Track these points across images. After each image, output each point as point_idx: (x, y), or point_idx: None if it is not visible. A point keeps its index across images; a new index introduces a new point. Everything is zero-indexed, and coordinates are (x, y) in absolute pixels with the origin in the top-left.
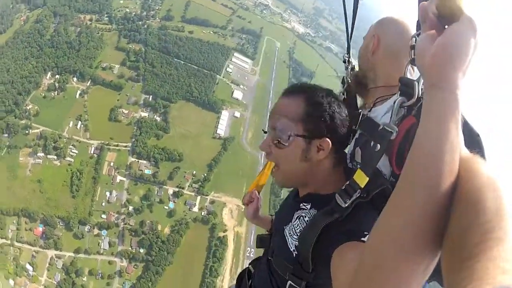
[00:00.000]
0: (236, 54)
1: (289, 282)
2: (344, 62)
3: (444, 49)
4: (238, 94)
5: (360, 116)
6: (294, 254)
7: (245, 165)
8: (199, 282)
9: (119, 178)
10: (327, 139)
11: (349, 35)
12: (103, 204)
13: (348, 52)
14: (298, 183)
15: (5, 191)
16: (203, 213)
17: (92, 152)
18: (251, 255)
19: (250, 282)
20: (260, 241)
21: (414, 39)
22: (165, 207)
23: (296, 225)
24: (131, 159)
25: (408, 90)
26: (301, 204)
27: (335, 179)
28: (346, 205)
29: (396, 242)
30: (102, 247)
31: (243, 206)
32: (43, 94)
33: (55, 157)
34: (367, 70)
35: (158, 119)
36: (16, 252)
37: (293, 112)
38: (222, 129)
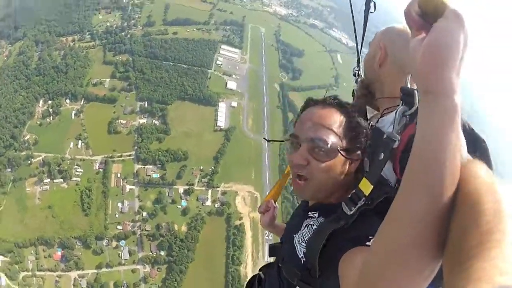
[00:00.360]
0: (223, 46)
1: None
2: (354, 75)
3: (431, 50)
4: (232, 85)
5: (370, 127)
6: (303, 261)
7: (250, 152)
8: (223, 273)
9: (128, 187)
10: (360, 153)
11: (360, 48)
12: (117, 215)
13: (358, 65)
14: (326, 195)
15: (18, 225)
16: (216, 205)
17: (97, 167)
18: (270, 238)
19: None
20: (272, 250)
21: None
22: (178, 206)
23: (304, 233)
24: (137, 166)
25: (409, 99)
26: (310, 213)
27: (348, 188)
28: (351, 212)
29: (398, 247)
30: (123, 258)
31: (259, 214)
32: (38, 122)
33: (62, 180)
34: (374, 81)
35: (157, 122)
36: (39, 282)
37: (338, 125)
38: (222, 121)
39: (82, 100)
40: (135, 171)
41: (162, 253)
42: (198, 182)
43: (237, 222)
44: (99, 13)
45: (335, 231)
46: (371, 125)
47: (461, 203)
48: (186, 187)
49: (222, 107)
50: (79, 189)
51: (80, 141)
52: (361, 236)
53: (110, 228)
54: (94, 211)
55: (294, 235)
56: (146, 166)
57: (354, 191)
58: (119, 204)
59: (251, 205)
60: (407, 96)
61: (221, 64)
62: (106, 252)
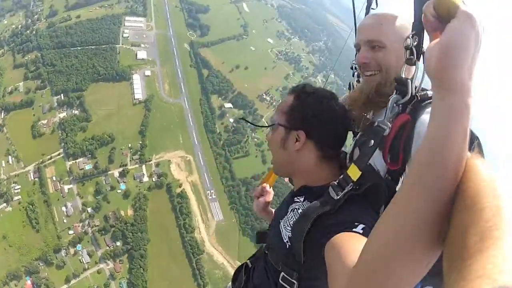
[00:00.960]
0: (127, 18)
1: (282, 273)
2: (352, 68)
3: (444, 49)
4: (142, 54)
5: (363, 119)
6: (288, 245)
7: (173, 116)
8: (180, 243)
9: (66, 187)
10: (303, 131)
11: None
12: (65, 220)
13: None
14: (285, 171)
15: None
16: (154, 179)
17: (32, 178)
18: (214, 196)
19: (246, 276)
20: (260, 237)
21: (408, 40)
22: (118, 191)
23: (290, 217)
24: (69, 163)
25: (402, 88)
26: (295, 198)
27: (327, 175)
28: (338, 197)
29: (400, 236)
30: (85, 262)
31: (254, 198)
32: None
33: (5, 204)
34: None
35: (77, 112)
36: None
37: (283, 106)
38: (139, 93)
39: (2, 113)
40: (68, 169)
41: (118, 243)
42: (130, 161)
43: (178, 190)
44: (4, 19)
45: (321, 215)
46: (366, 118)
47: (461, 199)
48: (120, 169)
49: (136, 79)
50: (23, 207)
51: (10, 157)
52: (347, 222)
53: (63, 236)
54: (43, 224)
55: (280, 221)
56: (77, 160)
57: (342, 176)
58: (63, 208)
59: (187, 169)
60: (400, 85)
61: (128, 36)
62: (68, 262)
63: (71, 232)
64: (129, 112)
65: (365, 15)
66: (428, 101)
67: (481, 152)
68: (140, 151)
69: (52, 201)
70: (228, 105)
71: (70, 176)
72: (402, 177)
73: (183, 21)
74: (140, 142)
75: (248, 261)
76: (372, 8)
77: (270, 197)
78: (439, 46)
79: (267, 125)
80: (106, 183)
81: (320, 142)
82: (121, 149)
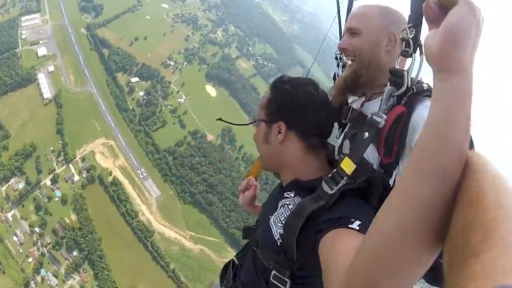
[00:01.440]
0: (22, 18)
1: (273, 271)
2: (336, 59)
3: (445, 33)
4: (42, 51)
5: (350, 110)
6: (279, 243)
7: (85, 105)
8: (130, 231)
9: (9, 215)
10: (282, 122)
11: (342, 35)
12: (20, 250)
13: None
14: (273, 166)
15: None
16: (84, 175)
17: None
18: (145, 174)
19: (233, 273)
20: (247, 233)
21: (405, 31)
22: (55, 199)
23: (280, 213)
24: (3, 188)
25: (397, 80)
26: (285, 193)
27: (315, 167)
28: (333, 192)
29: (402, 227)
30: (54, 285)
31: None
32: None
33: None
34: (374, 69)
35: None
36: None
37: (262, 101)
38: (47, 92)
39: None
40: (4, 195)
41: (75, 253)
42: (57, 164)
43: (110, 179)
44: None
45: (314, 211)
46: (352, 109)
47: (463, 196)
48: (50, 176)
49: (41, 78)
50: None
51: None
52: (343, 217)
53: (25, 267)
54: (4, 263)
55: (270, 217)
56: (9, 183)
57: (335, 170)
58: (15, 238)
59: (112, 155)
60: (395, 77)
61: (26, 37)
62: None
63: (30, 260)
64: (42, 114)
65: (348, 7)
66: (424, 93)
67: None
68: (63, 151)
69: (1, 234)
70: (134, 79)
71: (8, 202)
72: (396, 170)
73: (76, 6)
74: (61, 141)
75: (234, 258)
76: None
77: (256, 190)
78: (442, 29)
79: (248, 122)
80: (42, 195)
81: (302, 131)
82: (45, 155)
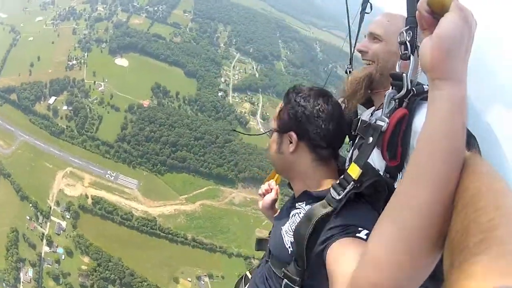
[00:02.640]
0: None
1: (285, 280)
2: (346, 73)
3: (437, 42)
4: None
5: (359, 122)
6: (290, 251)
7: (28, 156)
8: (136, 233)
9: None
10: (293, 132)
11: (353, 49)
12: None
13: (351, 63)
14: (285, 176)
15: None
16: (68, 216)
17: None
18: (114, 173)
19: (246, 287)
20: (259, 244)
21: (402, 34)
22: (62, 258)
23: (291, 222)
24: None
25: (398, 83)
26: (297, 204)
27: (326, 180)
28: (340, 197)
29: (402, 237)
30: None
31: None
32: None
33: None
34: (387, 77)
35: None
36: None
37: (277, 111)
38: None
39: None
40: None
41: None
42: (41, 227)
43: (89, 201)
44: None
45: (323, 219)
46: (362, 120)
47: (461, 198)
48: (44, 242)
49: None
50: None
51: None
52: (350, 225)
53: None
54: None
55: (281, 227)
56: (21, 279)
57: (342, 176)
58: None
59: (77, 179)
60: (396, 80)
61: None
62: None
63: None
64: None
65: (360, 20)
66: (424, 95)
67: (478, 151)
68: (38, 211)
69: None
70: (51, 100)
71: None
72: (400, 174)
73: None
74: (30, 205)
75: (247, 272)
76: (366, 12)
77: (277, 194)
78: (434, 37)
79: (261, 132)
80: (50, 265)
81: (312, 142)
82: (27, 228)
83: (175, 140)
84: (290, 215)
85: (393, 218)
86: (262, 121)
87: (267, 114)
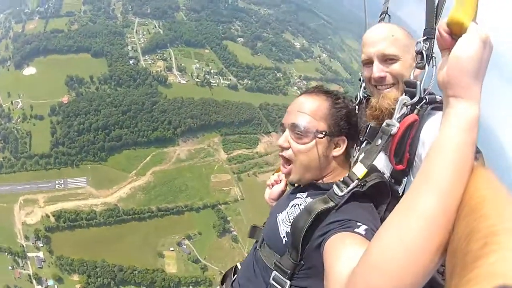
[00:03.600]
0: None
1: (274, 272)
2: (360, 80)
3: (454, 61)
4: None
5: (368, 128)
6: (284, 241)
7: None
8: (107, 228)
9: None
10: (344, 137)
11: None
12: None
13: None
14: (313, 178)
15: None
16: (42, 244)
17: None
18: (61, 181)
19: (235, 277)
20: (253, 231)
21: (419, 44)
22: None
23: (290, 212)
24: None
25: (411, 90)
26: (298, 194)
27: (339, 174)
28: (343, 194)
29: (406, 241)
30: None
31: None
32: None
33: None
34: None
35: None
36: None
37: (317, 111)
38: None
39: None
40: None
41: None
42: (25, 269)
43: (52, 219)
44: None
45: (323, 212)
46: (370, 127)
47: (466, 205)
48: (34, 282)
49: None
50: None
51: None
52: (350, 220)
53: None
54: None
55: (277, 215)
56: None
57: (347, 174)
58: None
59: (31, 204)
60: (409, 87)
61: None
62: None
63: None
64: None
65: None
66: (436, 104)
67: (483, 162)
68: (13, 256)
69: None
70: None
71: None
72: (405, 179)
73: None
74: (6, 253)
75: (238, 263)
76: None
77: (285, 186)
78: (451, 56)
79: (310, 140)
80: None
81: (351, 145)
82: (18, 278)
83: (105, 122)
84: (289, 205)
85: (398, 222)
86: (179, 73)
87: (183, 65)
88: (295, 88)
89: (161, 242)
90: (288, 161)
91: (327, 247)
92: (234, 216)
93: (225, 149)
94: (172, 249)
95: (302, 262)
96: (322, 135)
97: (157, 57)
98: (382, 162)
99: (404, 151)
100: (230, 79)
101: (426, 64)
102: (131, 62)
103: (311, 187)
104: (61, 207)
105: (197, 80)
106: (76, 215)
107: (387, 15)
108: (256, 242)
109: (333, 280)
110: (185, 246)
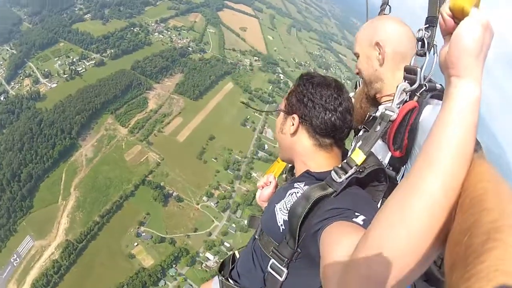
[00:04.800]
0: None
1: (272, 260)
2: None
3: (456, 40)
4: None
5: (367, 117)
6: (281, 229)
7: None
8: None
9: None
10: (296, 115)
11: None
12: None
13: (367, 17)
14: (286, 156)
15: None
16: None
17: None
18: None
19: (233, 266)
20: (251, 221)
21: (420, 32)
22: None
23: (287, 201)
24: None
25: (411, 77)
26: (295, 184)
27: (326, 163)
28: (341, 180)
29: (407, 222)
30: None
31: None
32: None
33: None
34: (374, 82)
35: None
36: None
37: (287, 93)
38: None
39: None
40: None
41: None
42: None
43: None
44: None
45: (321, 198)
46: (369, 115)
47: (466, 199)
48: None
49: None
50: None
51: None
52: (347, 210)
53: None
54: None
55: (275, 204)
56: None
57: (345, 160)
58: None
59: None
60: (409, 73)
61: None
62: None
63: None
64: None
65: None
66: (435, 92)
67: (483, 156)
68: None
69: None
70: None
71: None
72: (404, 167)
73: None
74: None
75: (236, 251)
76: (385, 15)
77: (275, 188)
78: (453, 36)
79: (270, 110)
80: None
81: (314, 128)
82: None
83: (10, 170)
84: (287, 194)
85: (400, 202)
86: (46, 79)
87: (46, 70)
88: (156, 34)
89: (123, 244)
90: None
91: (324, 236)
92: (164, 178)
93: (122, 124)
94: (136, 244)
95: (299, 249)
96: (281, 112)
97: (21, 78)
98: (380, 151)
99: (403, 137)
100: (94, 57)
101: (427, 52)
102: (1, 98)
103: (307, 176)
104: (31, 280)
105: (65, 76)
106: (46, 277)
107: (387, 6)
108: (255, 231)
109: (328, 271)
110: (144, 234)
